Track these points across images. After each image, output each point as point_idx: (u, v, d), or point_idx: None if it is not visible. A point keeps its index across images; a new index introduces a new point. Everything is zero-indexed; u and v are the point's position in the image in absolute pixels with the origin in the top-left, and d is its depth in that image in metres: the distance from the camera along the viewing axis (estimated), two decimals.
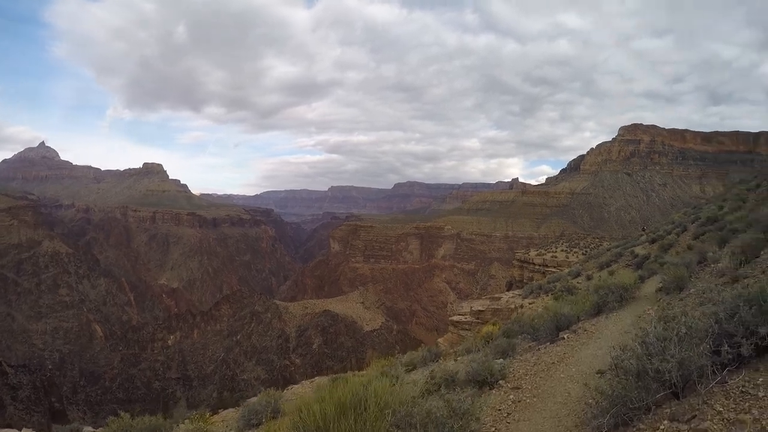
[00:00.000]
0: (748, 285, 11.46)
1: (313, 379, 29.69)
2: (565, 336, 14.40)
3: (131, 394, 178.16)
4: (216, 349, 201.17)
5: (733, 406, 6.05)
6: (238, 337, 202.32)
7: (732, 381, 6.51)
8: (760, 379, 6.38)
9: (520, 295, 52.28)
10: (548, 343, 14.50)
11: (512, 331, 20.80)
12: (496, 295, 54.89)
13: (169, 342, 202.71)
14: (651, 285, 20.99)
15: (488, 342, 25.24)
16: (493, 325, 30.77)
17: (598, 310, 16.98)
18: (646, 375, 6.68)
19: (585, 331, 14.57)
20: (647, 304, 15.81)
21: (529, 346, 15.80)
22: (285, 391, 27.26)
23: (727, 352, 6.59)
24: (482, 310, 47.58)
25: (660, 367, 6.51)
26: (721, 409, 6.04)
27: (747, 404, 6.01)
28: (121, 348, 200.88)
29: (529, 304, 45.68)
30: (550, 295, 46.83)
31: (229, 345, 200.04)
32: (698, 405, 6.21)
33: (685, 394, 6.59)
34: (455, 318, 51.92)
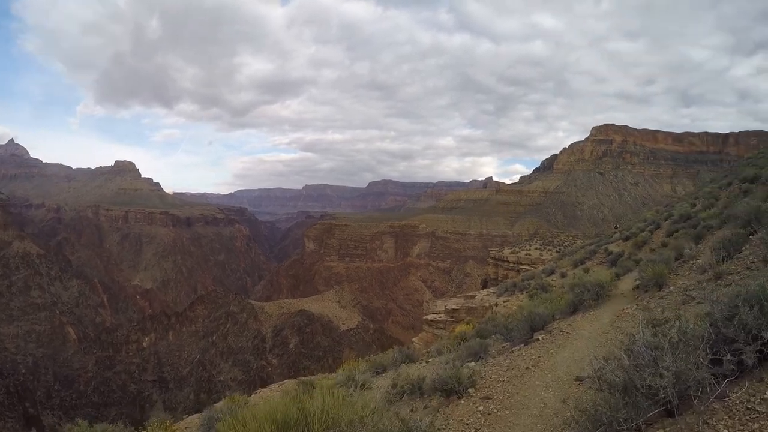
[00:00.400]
0: (733, 282, 10.62)
1: (282, 382, 28.52)
2: (540, 337, 13.51)
3: (107, 397, 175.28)
4: (192, 351, 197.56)
5: (739, 426, 5.09)
6: (214, 338, 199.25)
7: (734, 395, 5.56)
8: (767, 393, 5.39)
9: (494, 293, 51.66)
10: (522, 345, 13.62)
11: (485, 331, 19.99)
12: (471, 294, 54.22)
13: (144, 344, 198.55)
14: (627, 282, 20.39)
15: (461, 342, 24.49)
16: (467, 324, 30.01)
17: (574, 309, 16.17)
18: (635, 390, 5.64)
19: (561, 331, 13.70)
20: (625, 303, 15.06)
21: (503, 347, 14.92)
22: (253, 395, 26.20)
23: (729, 362, 5.57)
24: (456, 309, 46.89)
25: (652, 383, 5.46)
26: (724, 430, 5.04)
27: (754, 424, 5.04)
28: (95, 351, 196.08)
29: (504, 302, 45.09)
30: (524, 293, 46.36)
31: (205, 346, 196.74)
32: (697, 425, 5.27)
33: (681, 411, 5.61)
34: (430, 317, 51.27)
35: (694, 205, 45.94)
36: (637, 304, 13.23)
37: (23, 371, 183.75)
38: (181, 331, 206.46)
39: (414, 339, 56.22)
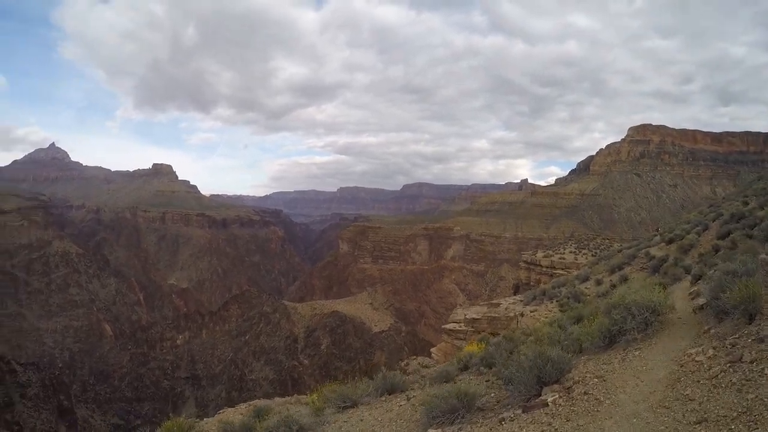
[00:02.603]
0: None
1: (251, 402, 24.82)
2: (550, 399, 8.63)
3: (140, 392, 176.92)
4: (224, 349, 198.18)
5: None
6: (247, 337, 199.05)
7: None
8: None
9: (521, 301, 46.99)
10: (519, 411, 8.73)
11: (490, 358, 15.21)
12: (495, 302, 49.32)
13: (178, 341, 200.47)
14: (680, 296, 15.91)
15: (465, 369, 20.10)
16: (479, 344, 25.47)
17: (611, 340, 11.19)
18: None
19: (585, 389, 8.84)
20: (687, 336, 10.10)
21: (496, 405, 10.09)
22: (214, 416, 22.57)
23: None
24: (477, 318, 42.37)
25: None
26: None
27: None
28: (130, 347, 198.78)
29: (531, 312, 40.64)
30: (555, 301, 41.77)
31: (238, 345, 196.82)
32: None
33: None
34: (449, 326, 46.82)
35: (747, 204, 41.05)
36: (714, 347, 8.29)
37: (60, 365, 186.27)
38: (215, 330, 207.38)
39: (432, 350, 52.08)
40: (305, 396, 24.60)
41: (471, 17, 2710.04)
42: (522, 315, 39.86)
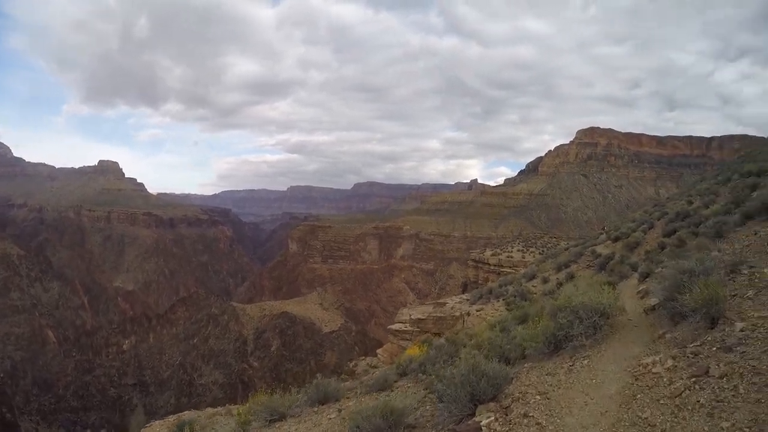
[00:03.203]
0: None
1: (180, 414, 23.38)
2: (485, 422, 7.28)
3: (86, 402, 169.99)
4: (172, 354, 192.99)
5: None
6: (195, 340, 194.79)
7: None
8: None
9: (468, 300, 46.19)
10: None
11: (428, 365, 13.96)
12: (441, 301, 48.55)
13: (124, 347, 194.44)
14: (629, 295, 15.14)
15: (404, 375, 18.87)
16: (421, 347, 24.37)
17: (556, 346, 10.01)
18: None
19: (525, 407, 7.57)
20: (639, 342, 8.99)
21: (430, 418, 8.82)
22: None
23: None
24: (423, 319, 41.39)
25: None
26: None
27: None
28: (74, 354, 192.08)
29: (477, 311, 39.98)
30: (501, 300, 41.23)
31: (186, 349, 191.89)
32: None
33: None
34: (395, 327, 45.91)
35: (691, 203, 41.47)
36: (673, 357, 7.10)
37: (1, 375, 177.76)
38: (162, 333, 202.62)
39: (379, 350, 51.33)
40: (237, 406, 23.43)
41: (428, 18, 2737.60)
42: (468, 314, 39.20)
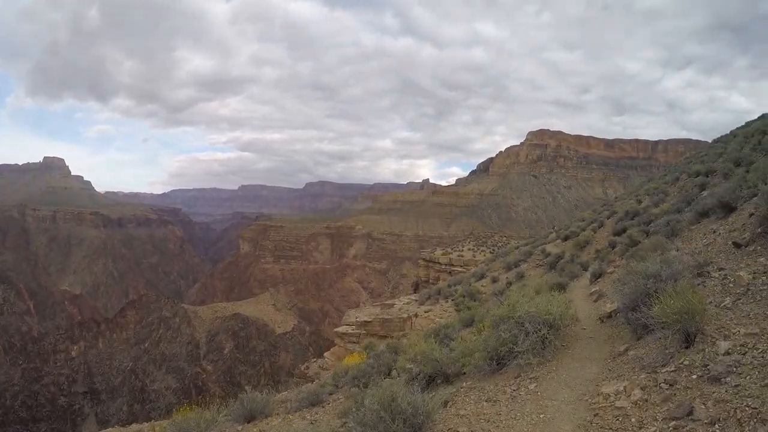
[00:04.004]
0: None
1: (128, 427, 21.74)
2: None
3: (35, 412, 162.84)
4: (123, 359, 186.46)
5: None
6: (146, 344, 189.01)
7: None
8: None
9: (416, 301, 44.92)
10: None
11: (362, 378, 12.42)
12: (388, 302, 47.30)
13: (73, 353, 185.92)
14: (580, 296, 14.40)
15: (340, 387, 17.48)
16: (361, 353, 23.00)
17: (499, 363, 8.44)
18: None
19: None
20: (596, 360, 7.49)
21: None
22: None
23: None
24: (369, 321, 39.81)
25: None
26: None
27: None
28: (21, 362, 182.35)
29: (425, 312, 38.86)
30: (449, 300, 40.18)
31: (137, 354, 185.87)
32: None
33: None
34: (341, 329, 44.20)
35: (640, 202, 41.18)
36: (641, 386, 5.45)
37: None
38: (112, 338, 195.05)
39: (326, 354, 49.49)
40: (160, 422, 21.93)
41: (383, 18, 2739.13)
42: (416, 316, 38.14)
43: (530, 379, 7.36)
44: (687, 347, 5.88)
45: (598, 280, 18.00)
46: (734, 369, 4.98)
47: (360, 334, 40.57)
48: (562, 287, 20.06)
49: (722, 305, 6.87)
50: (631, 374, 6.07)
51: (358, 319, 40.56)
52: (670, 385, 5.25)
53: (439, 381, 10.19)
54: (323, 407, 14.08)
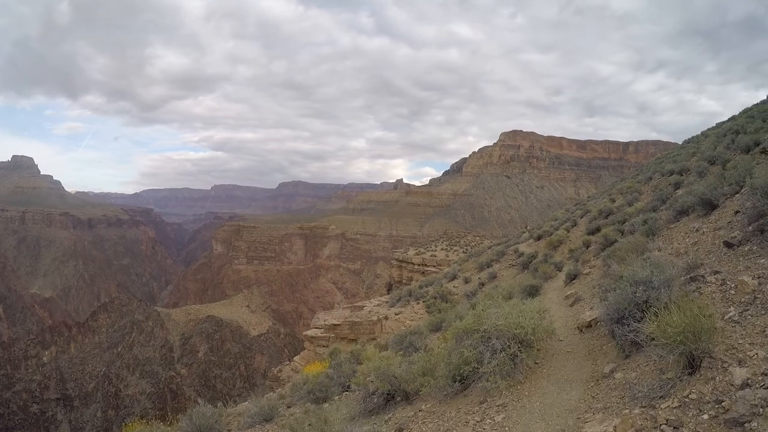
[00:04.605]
0: None
1: None
2: None
3: (8, 420, 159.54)
4: (96, 364, 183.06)
5: None
6: (119, 348, 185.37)
7: None
8: None
9: (387, 302, 43.79)
10: None
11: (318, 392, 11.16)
12: (358, 304, 46.14)
13: (44, 359, 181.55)
14: (555, 299, 13.58)
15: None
16: (323, 363, 21.81)
17: (462, 382, 7.23)
18: None
19: None
20: (576, 382, 6.30)
21: None
22: None
23: None
24: (338, 324, 38.48)
25: None
26: None
27: None
28: None
29: (396, 314, 37.82)
30: (421, 302, 39.18)
31: (110, 358, 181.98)
32: None
33: None
34: (310, 332, 42.88)
35: (614, 201, 40.64)
36: (636, 427, 4.21)
37: None
38: (84, 342, 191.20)
39: (296, 357, 48.21)
40: None
41: (359, 18, 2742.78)
42: (386, 318, 37.09)
43: (497, 407, 6.14)
44: (691, 373, 4.68)
45: (574, 281, 17.19)
46: (760, 410, 3.78)
47: (329, 338, 39.38)
48: (535, 289, 19.12)
49: (727, 317, 5.70)
50: (621, 406, 4.86)
51: (326, 322, 39.34)
52: (675, 428, 4.06)
53: (398, 398, 9.02)
54: (276, 423, 13.00)
